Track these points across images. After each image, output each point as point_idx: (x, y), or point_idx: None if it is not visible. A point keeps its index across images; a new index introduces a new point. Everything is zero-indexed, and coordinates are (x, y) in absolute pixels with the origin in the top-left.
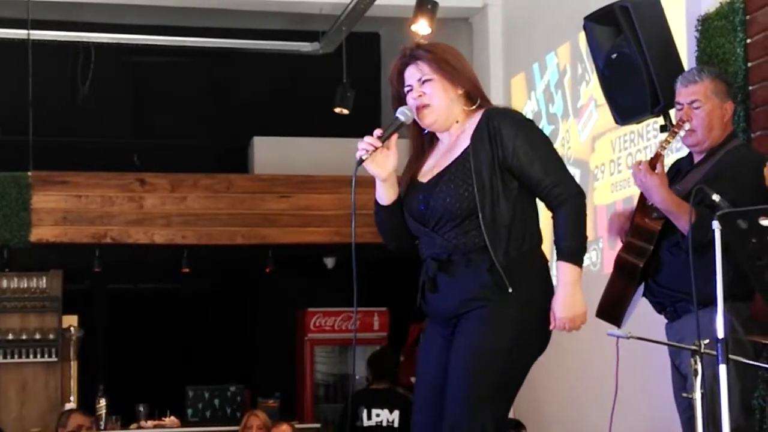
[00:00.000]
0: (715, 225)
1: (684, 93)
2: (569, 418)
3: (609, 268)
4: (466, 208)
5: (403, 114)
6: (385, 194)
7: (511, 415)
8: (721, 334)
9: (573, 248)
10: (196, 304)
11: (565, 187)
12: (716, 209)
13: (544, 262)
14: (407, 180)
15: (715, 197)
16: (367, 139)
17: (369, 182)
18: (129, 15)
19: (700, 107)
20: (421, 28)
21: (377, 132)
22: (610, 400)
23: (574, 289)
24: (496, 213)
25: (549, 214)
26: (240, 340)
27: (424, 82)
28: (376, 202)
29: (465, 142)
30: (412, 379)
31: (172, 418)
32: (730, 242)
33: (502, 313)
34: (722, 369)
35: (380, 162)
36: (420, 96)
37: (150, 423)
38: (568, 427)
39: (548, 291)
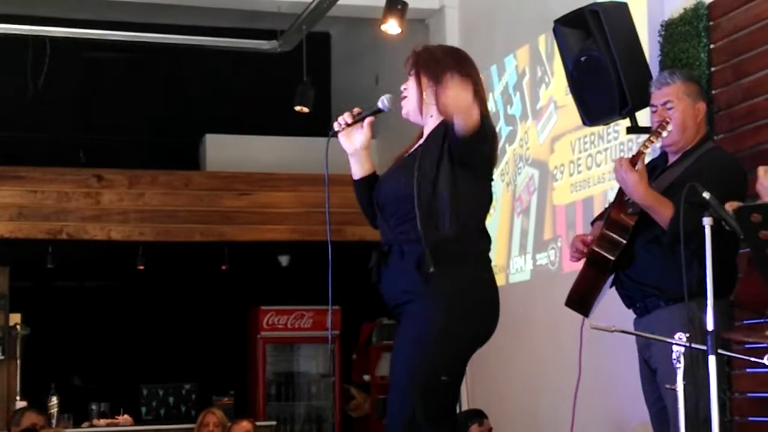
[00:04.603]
0: (706, 221)
1: (657, 95)
2: (528, 410)
3: (567, 267)
4: (404, 198)
5: (381, 102)
6: (354, 168)
7: (473, 405)
8: (710, 327)
9: None
10: (150, 302)
11: None
12: (706, 207)
13: (476, 253)
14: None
15: (706, 195)
16: (345, 114)
17: (332, 181)
18: (84, 10)
19: (673, 108)
20: (391, 27)
21: (356, 110)
22: (569, 391)
23: None
24: (432, 208)
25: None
26: (193, 338)
27: (410, 75)
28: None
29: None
30: (365, 377)
31: (126, 416)
32: (744, 236)
33: (428, 305)
34: (711, 360)
35: (351, 137)
36: (404, 89)
37: (103, 422)
38: (527, 417)
39: (478, 281)
